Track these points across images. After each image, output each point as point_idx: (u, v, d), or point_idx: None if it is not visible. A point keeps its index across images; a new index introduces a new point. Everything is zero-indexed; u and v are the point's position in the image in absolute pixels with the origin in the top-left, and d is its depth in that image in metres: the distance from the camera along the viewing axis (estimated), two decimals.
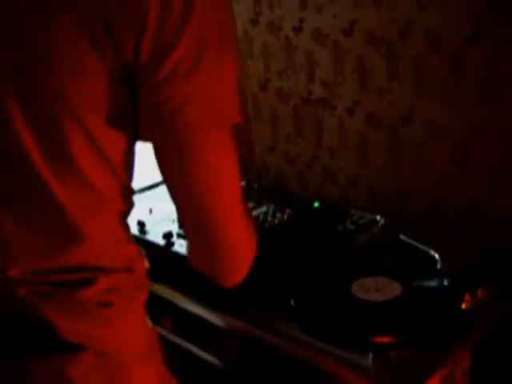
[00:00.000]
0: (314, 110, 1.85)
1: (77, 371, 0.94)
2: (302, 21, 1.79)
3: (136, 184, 1.90)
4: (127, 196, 0.98)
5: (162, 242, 1.37)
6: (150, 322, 1.06)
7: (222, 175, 0.91)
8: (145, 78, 0.82)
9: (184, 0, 0.78)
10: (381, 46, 1.62)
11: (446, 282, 1.25)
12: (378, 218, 1.51)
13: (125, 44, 0.79)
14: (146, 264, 1.05)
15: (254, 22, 1.92)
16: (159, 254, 1.38)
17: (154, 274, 1.38)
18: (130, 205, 0.98)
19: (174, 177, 0.92)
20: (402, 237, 1.43)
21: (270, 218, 1.44)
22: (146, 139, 0.88)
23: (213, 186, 0.91)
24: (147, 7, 0.77)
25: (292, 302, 1.24)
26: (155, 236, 1.40)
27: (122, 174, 0.93)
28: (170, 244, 1.35)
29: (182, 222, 1.03)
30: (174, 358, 1.53)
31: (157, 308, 1.41)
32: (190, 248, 0.99)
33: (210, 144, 0.86)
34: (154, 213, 1.60)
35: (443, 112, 1.55)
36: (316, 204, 1.51)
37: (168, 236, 1.37)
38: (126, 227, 1.00)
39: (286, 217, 1.45)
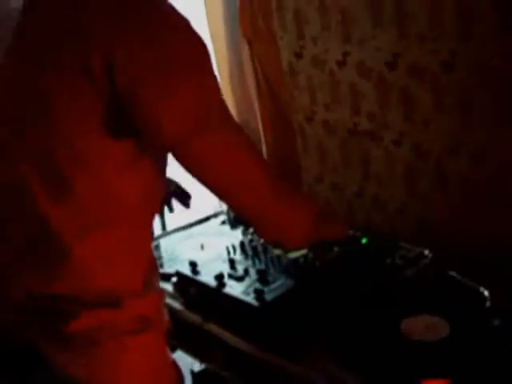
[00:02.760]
0: (361, 141, 1.86)
1: None
2: (345, 54, 1.81)
3: (185, 219, 1.94)
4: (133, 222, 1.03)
5: (213, 283, 1.40)
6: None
7: (237, 169, 1.03)
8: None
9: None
10: (425, 78, 1.63)
11: (496, 322, 1.25)
12: (427, 252, 1.51)
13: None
14: (154, 312, 1.08)
15: (298, 56, 1.95)
16: (211, 295, 1.42)
17: (206, 314, 1.43)
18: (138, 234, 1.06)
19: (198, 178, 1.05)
20: (450, 272, 1.43)
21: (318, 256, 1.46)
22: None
23: (233, 184, 1.04)
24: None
25: (339, 340, 1.25)
26: (207, 277, 1.43)
27: (123, 199, 0.99)
28: (221, 285, 1.39)
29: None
30: None
31: (209, 346, 1.45)
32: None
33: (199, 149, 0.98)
34: (206, 249, 1.64)
35: (490, 143, 1.54)
36: (364, 240, 1.52)
37: (220, 277, 1.40)
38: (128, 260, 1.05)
39: (334, 254, 1.46)
